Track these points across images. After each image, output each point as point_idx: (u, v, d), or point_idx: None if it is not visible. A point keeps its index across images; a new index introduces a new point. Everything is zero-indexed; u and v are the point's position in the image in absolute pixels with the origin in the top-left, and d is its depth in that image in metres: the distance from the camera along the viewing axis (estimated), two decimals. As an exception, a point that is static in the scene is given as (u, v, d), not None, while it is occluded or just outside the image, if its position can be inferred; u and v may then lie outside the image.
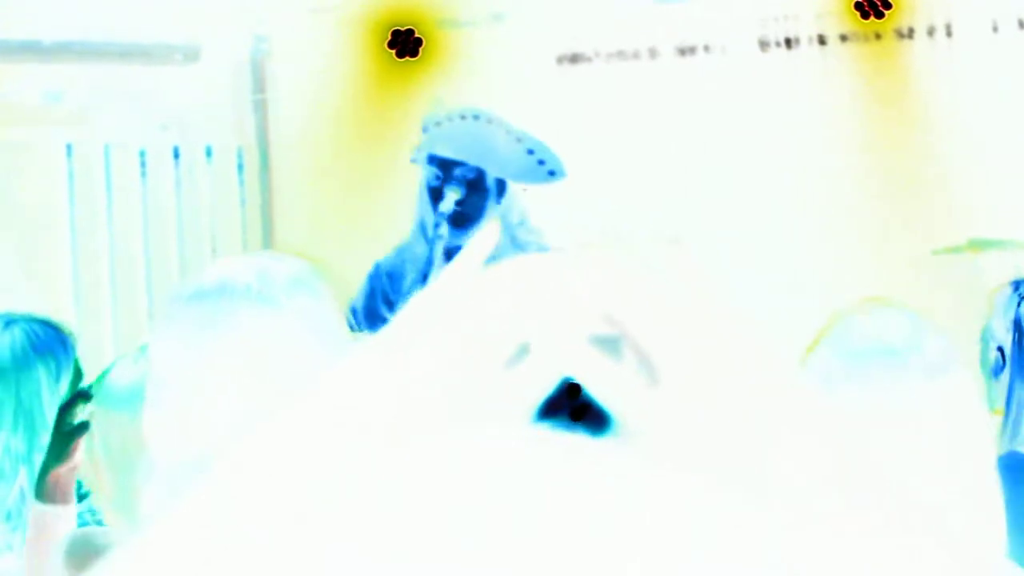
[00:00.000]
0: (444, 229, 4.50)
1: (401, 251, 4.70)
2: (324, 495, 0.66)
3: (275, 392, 1.63)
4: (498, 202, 4.56)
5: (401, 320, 0.83)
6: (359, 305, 4.61)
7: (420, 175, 4.61)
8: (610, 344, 0.82)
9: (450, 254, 4.51)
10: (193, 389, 1.75)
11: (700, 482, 0.70)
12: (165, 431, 1.76)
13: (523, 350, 0.81)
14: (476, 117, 4.59)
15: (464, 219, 4.49)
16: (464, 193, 4.49)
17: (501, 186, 4.57)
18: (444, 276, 0.85)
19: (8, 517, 2.78)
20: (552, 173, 4.61)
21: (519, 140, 4.58)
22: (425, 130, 4.61)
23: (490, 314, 0.81)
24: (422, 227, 4.60)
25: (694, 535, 0.65)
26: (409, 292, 4.57)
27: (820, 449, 0.80)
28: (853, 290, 5.75)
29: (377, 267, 4.72)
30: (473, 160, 4.52)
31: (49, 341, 2.92)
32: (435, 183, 4.53)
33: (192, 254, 6.49)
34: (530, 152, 4.58)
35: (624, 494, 0.66)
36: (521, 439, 0.71)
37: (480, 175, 4.53)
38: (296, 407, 0.80)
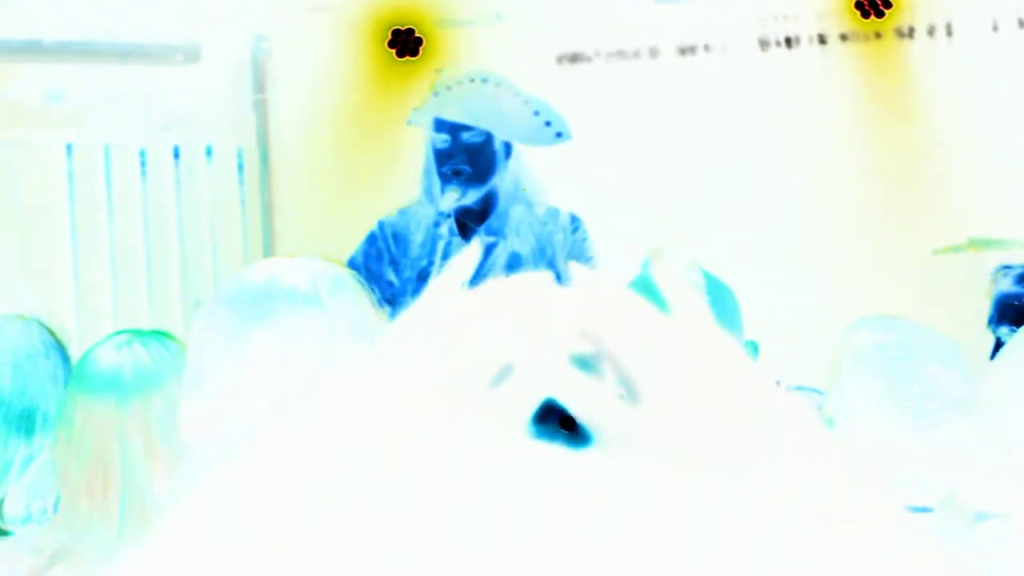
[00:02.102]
0: (445, 229, 4.49)
1: (405, 213, 4.68)
2: (323, 498, 0.67)
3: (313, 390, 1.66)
4: (505, 164, 4.57)
5: (392, 337, 0.84)
6: (360, 263, 4.57)
7: (426, 138, 4.60)
8: (590, 362, 0.83)
9: (459, 220, 4.50)
10: (235, 385, 1.77)
11: (700, 483, 0.70)
12: (201, 425, 1.78)
13: (506, 370, 0.82)
14: (484, 80, 4.58)
15: (473, 180, 4.50)
16: (469, 173, 4.50)
17: (507, 148, 4.57)
18: (429, 293, 0.85)
19: (30, 492, 2.81)
20: (559, 135, 4.60)
21: (526, 102, 4.58)
22: (436, 94, 4.58)
23: (474, 335, 0.82)
24: (428, 191, 4.60)
25: (696, 535, 0.65)
26: (415, 255, 4.57)
27: (807, 467, 0.80)
28: (853, 290, 5.77)
29: (381, 226, 4.69)
30: (482, 124, 4.51)
31: (60, 348, 2.97)
32: (443, 147, 4.52)
33: (192, 254, 6.50)
34: (536, 114, 4.58)
35: (624, 493, 0.66)
36: (519, 442, 0.71)
37: (488, 138, 4.53)
38: (296, 416, 0.80)
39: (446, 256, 4.41)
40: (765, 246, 6.03)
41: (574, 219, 4.58)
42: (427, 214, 4.57)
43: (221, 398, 1.77)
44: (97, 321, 6.11)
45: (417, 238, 4.57)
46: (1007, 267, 4.42)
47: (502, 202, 4.55)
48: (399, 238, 4.61)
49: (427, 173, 4.62)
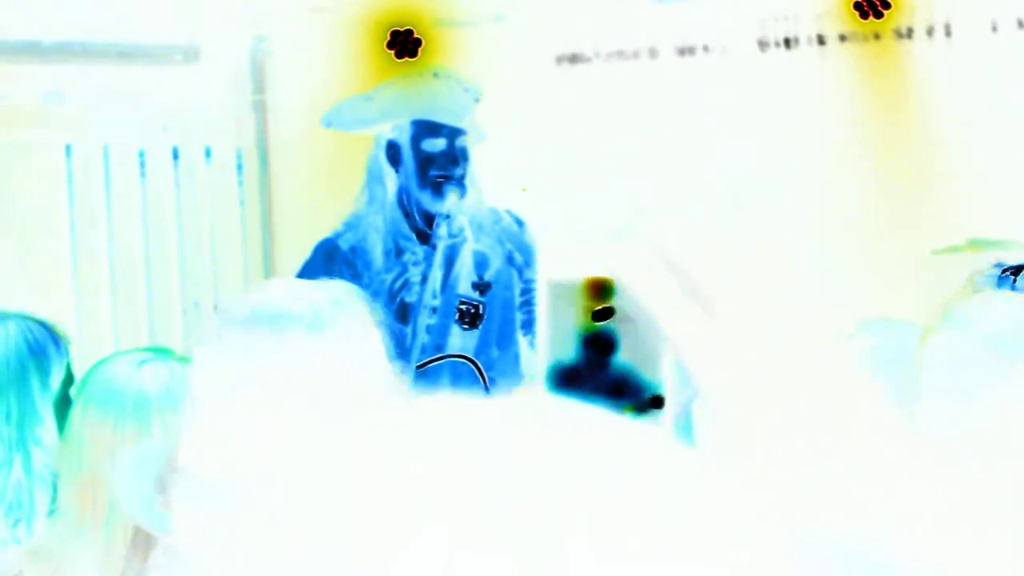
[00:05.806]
0: (444, 229, 4.49)
1: (355, 225, 4.65)
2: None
3: (319, 415, 1.71)
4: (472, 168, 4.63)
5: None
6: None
7: (386, 141, 4.61)
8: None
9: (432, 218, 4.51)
10: (238, 413, 1.78)
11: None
12: (204, 451, 1.78)
13: None
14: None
15: (462, 183, 4.52)
16: (462, 175, 4.53)
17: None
18: None
19: (9, 510, 2.78)
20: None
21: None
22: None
23: None
24: (384, 196, 4.59)
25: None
26: (379, 268, 4.56)
27: (870, 405, 0.80)
28: (853, 290, 5.76)
29: (335, 244, 4.65)
30: (466, 127, 4.58)
31: (43, 340, 2.92)
32: (435, 151, 4.53)
33: (192, 254, 6.49)
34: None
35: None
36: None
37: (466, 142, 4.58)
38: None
39: (451, 258, 4.41)
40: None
41: (515, 217, 4.62)
42: (377, 223, 4.56)
43: (224, 425, 1.78)
44: (96, 322, 6.11)
45: (378, 249, 4.56)
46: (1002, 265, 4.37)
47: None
48: (359, 251, 4.59)
49: (376, 180, 4.61)
